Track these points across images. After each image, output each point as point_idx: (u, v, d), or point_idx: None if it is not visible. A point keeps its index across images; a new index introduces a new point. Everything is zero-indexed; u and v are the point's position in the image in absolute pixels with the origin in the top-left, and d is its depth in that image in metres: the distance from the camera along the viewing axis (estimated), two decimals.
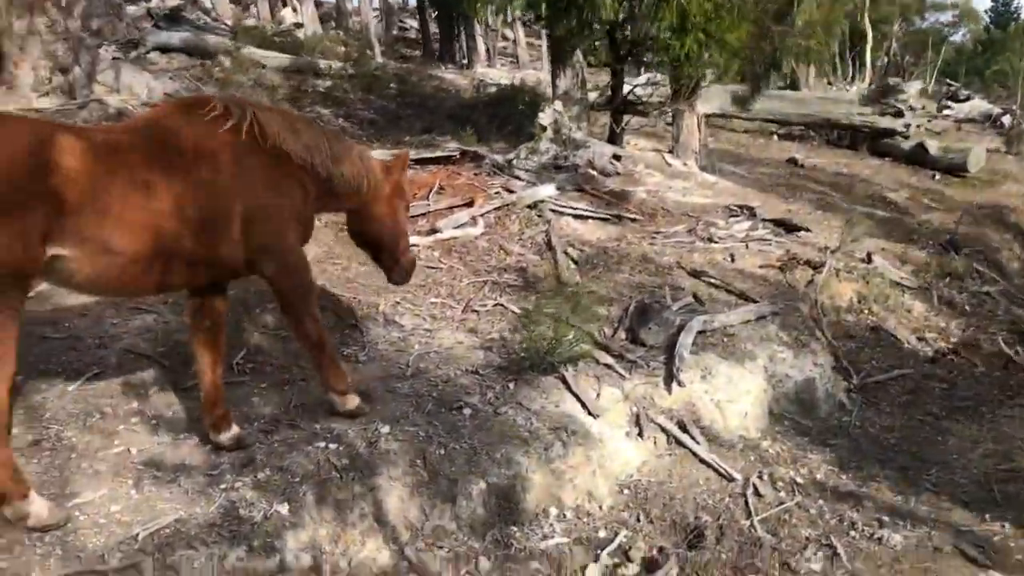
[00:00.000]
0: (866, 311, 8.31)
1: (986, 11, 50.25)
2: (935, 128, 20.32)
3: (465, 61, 26.72)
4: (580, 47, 11.92)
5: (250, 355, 5.44)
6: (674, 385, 5.80)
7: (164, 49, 17.31)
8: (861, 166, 15.50)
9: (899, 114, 17.28)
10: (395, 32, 33.29)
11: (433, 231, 7.83)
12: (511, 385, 5.43)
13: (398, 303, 6.39)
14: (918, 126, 18.23)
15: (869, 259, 9.08)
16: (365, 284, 6.60)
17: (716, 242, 8.92)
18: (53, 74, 12.03)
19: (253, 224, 4.16)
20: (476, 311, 6.54)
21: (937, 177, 16.03)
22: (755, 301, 7.25)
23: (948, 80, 32.77)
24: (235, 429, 4.50)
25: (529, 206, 8.80)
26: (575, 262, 7.74)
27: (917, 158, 16.63)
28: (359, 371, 5.44)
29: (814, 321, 7.69)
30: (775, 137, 17.96)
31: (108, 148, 3.77)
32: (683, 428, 5.62)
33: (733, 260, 8.46)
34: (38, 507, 3.72)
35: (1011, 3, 51.26)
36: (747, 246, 8.90)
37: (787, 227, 9.77)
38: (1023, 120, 21.21)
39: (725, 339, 6.50)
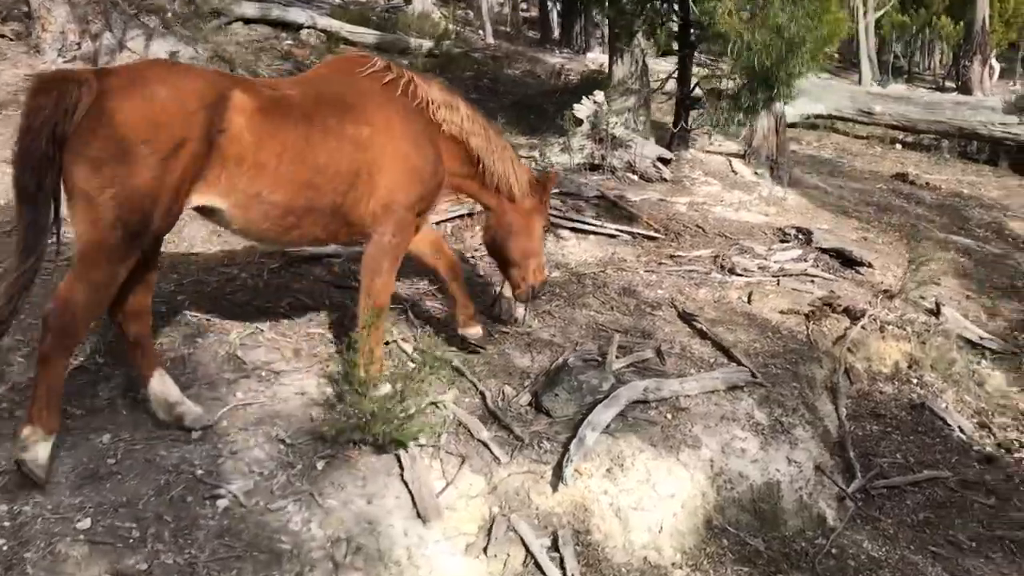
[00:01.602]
0: (914, 382, 6.41)
1: None
2: None
3: (584, 45, 25.22)
4: (638, 30, 10.25)
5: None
6: (561, 480, 4.29)
7: (247, 20, 16.83)
8: (992, 186, 12.98)
9: None
10: (523, 14, 32.12)
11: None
12: (320, 464, 4.06)
13: (260, 331, 5.11)
14: None
15: (938, 310, 7.11)
16: (236, 303, 5.39)
17: (740, 274, 7.19)
18: (83, 39, 11.50)
19: (382, 177, 4.19)
20: (356, 350, 5.17)
21: None
22: (738, 362, 5.56)
23: None
24: (479, 328, 5.08)
25: None
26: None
27: None
28: (122, 424, 4.19)
29: (831, 392, 5.91)
30: (898, 146, 15.53)
31: (274, 105, 3.86)
32: (555, 545, 4.10)
33: (749, 301, 6.74)
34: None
35: None
36: (779, 282, 7.13)
37: (845, 260, 7.90)
38: None
39: (668, 416, 4.87)
